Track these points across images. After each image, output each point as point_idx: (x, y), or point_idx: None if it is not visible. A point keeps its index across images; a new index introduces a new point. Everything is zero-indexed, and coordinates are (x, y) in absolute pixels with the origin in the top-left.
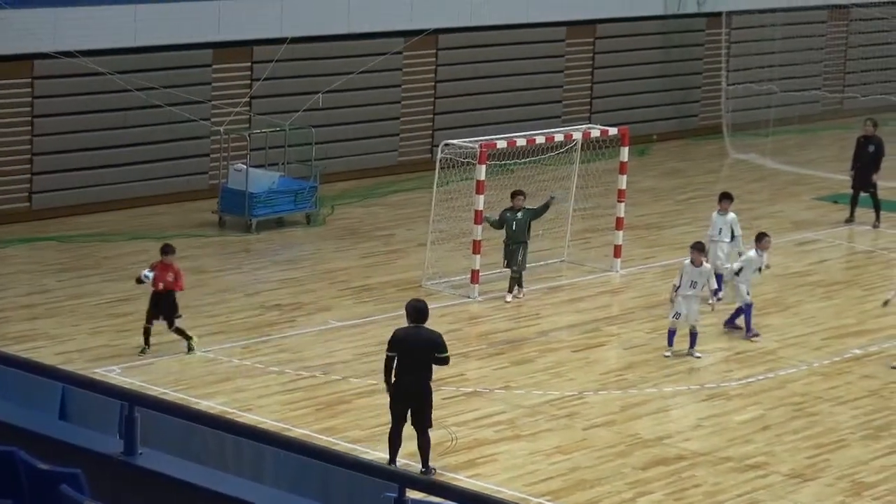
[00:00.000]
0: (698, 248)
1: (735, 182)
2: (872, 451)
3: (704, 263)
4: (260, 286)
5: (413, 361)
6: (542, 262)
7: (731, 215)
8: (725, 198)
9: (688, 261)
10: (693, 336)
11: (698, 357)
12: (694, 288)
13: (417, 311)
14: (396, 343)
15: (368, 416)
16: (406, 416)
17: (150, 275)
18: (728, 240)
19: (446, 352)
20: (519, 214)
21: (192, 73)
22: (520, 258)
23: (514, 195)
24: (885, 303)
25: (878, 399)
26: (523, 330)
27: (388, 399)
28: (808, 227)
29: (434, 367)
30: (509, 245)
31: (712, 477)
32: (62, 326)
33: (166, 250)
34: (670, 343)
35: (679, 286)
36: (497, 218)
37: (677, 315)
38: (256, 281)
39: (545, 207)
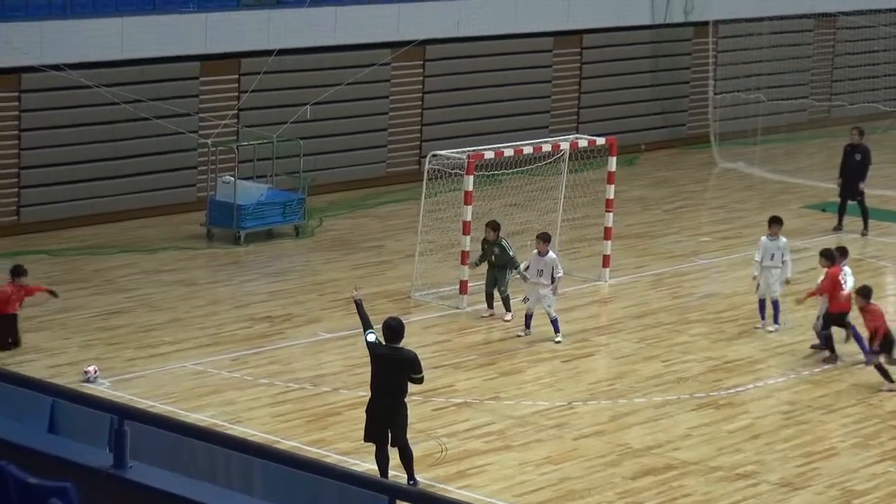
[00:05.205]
0: (544, 239)
1: (723, 191)
2: (862, 460)
3: (550, 253)
4: (249, 298)
5: (389, 384)
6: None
7: (783, 240)
8: (775, 222)
9: (535, 251)
10: (553, 321)
11: (558, 342)
12: (541, 276)
13: (392, 330)
14: (375, 357)
15: (358, 427)
16: (387, 438)
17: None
18: (780, 265)
19: (421, 372)
20: (496, 249)
21: (179, 86)
22: (507, 279)
23: (487, 225)
24: None
25: (868, 407)
26: (512, 340)
27: (364, 427)
28: (796, 236)
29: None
30: (495, 267)
31: (702, 486)
32: (53, 340)
33: (18, 271)
34: (527, 325)
35: (527, 272)
36: (480, 254)
37: (526, 299)
38: (246, 293)
39: (514, 267)
